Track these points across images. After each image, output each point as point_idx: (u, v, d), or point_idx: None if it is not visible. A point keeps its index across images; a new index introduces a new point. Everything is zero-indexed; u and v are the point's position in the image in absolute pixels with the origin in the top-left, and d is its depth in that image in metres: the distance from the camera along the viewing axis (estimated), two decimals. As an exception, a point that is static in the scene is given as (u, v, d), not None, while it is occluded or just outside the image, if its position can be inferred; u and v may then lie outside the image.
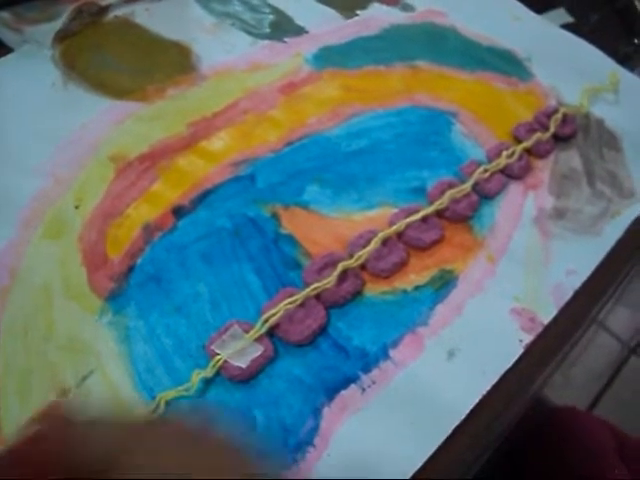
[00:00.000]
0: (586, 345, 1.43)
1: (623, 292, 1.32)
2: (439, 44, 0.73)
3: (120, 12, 0.70)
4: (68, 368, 0.46)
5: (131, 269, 0.51)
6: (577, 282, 0.54)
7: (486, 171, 0.59)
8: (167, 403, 0.44)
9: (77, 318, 0.48)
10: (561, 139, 0.65)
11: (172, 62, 0.66)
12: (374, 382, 0.47)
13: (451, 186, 0.57)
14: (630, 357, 1.50)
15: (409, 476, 0.43)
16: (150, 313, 0.49)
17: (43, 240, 0.52)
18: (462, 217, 0.56)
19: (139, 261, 0.52)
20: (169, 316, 0.49)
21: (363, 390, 0.46)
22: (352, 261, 0.51)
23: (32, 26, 0.66)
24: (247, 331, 0.47)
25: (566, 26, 0.78)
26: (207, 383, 0.46)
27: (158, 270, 0.51)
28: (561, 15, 0.80)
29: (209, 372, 0.45)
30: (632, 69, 0.74)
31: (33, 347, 0.47)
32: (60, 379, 0.45)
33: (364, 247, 0.52)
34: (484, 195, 0.58)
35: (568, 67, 0.72)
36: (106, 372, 0.46)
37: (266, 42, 0.70)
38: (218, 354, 0.46)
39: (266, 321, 0.48)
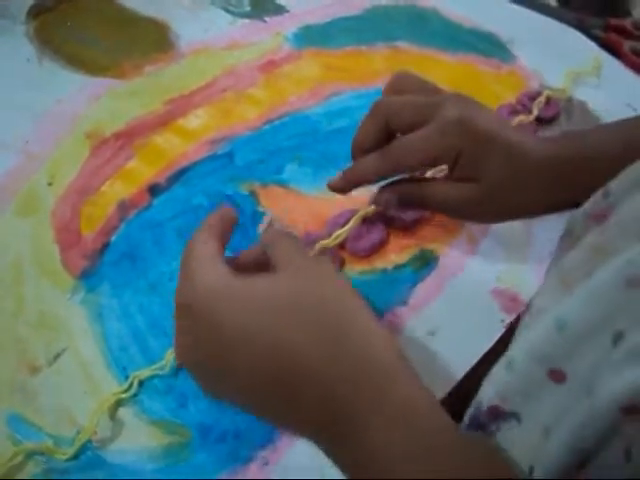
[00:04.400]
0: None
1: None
2: (421, 26, 0.72)
3: (97, -12, 0.69)
4: (39, 346, 0.45)
5: (105, 247, 0.50)
6: (559, 263, 0.53)
7: (468, 151, 0.58)
8: (140, 382, 0.44)
9: (49, 296, 0.47)
10: (544, 121, 0.64)
11: (150, 39, 0.65)
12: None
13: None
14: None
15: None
16: (124, 291, 0.48)
17: (15, 217, 0.51)
18: (443, 197, 0.55)
19: (113, 239, 0.51)
20: (143, 294, 0.48)
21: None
22: (331, 240, 0.50)
23: (5, 0, 0.64)
24: (222, 310, 0.46)
25: (549, 8, 0.78)
26: (183, 362, 0.45)
27: (133, 248, 0.50)
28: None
29: (184, 351, 0.44)
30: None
31: (2, 324, 0.45)
32: (30, 357, 0.44)
33: (343, 226, 0.51)
34: (466, 175, 0.57)
35: (551, 50, 0.71)
36: (78, 350, 0.45)
37: (246, 21, 0.69)
38: (193, 332, 0.45)
39: (242, 299, 0.47)
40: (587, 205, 0.41)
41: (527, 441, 0.30)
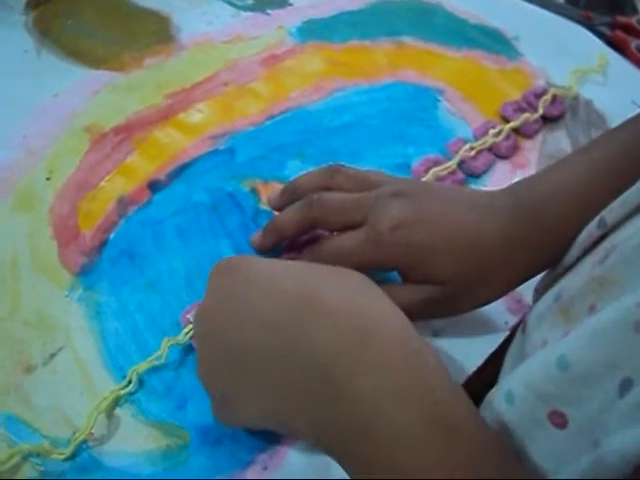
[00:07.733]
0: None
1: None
2: (425, 21, 0.71)
3: (97, -21, 0.68)
4: (35, 344, 0.44)
5: (104, 244, 0.49)
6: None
7: (472, 149, 0.57)
8: (140, 380, 0.43)
9: (46, 293, 0.46)
10: (549, 119, 0.63)
11: (150, 32, 0.64)
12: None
13: (436, 163, 0.55)
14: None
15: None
16: (122, 289, 0.47)
17: (12, 212, 0.50)
18: (447, 195, 0.55)
19: (112, 236, 0.50)
20: (142, 292, 0.47)
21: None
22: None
23: (4, -10, 0.64)
24: (223, 309, 0.45)
25: (555, 5, 0.77)
26: (182, 356, 0.44)
27: (132, 245, 0.49)
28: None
29: (181, 339, 0.44)
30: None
31: (-3, 322, 0.45)
32: (26, 356, 0.43)
33: (346, 224, 0.50)
34: (470, 173, 0.57)
35: (557, 48, 0.71)
36: (75, 349, 0.44)
37: (248, 14, 0.68)
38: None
39: (244, 299, 0.46)
40: (580, 238, 0.40)
41: None
